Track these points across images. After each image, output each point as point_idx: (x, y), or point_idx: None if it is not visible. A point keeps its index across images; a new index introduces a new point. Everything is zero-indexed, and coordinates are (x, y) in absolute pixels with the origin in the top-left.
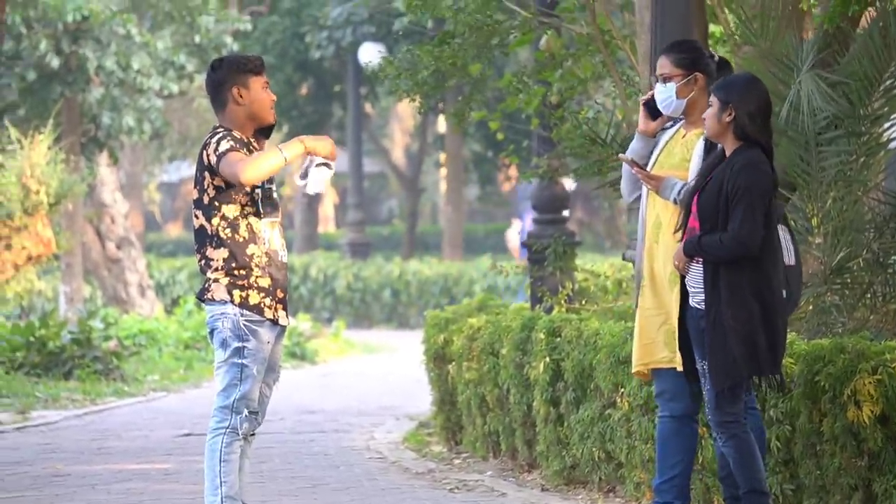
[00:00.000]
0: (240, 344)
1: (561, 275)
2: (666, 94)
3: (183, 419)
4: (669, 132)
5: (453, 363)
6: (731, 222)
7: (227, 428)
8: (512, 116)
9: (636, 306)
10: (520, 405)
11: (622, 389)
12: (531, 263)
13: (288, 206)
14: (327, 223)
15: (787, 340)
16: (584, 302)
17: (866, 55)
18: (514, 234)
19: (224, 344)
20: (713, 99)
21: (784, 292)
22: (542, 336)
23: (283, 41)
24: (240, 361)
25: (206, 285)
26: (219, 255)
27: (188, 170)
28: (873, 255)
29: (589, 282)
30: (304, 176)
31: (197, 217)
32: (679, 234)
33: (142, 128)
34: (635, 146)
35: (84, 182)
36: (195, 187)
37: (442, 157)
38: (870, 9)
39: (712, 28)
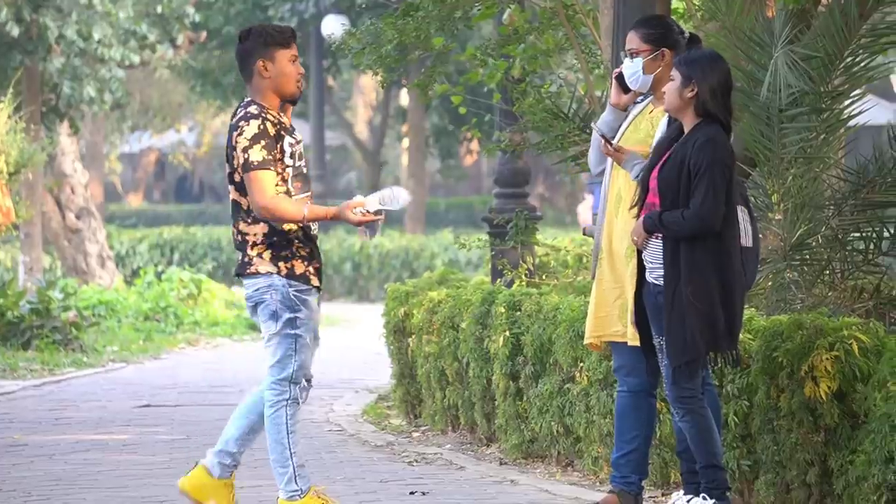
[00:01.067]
0: (292, 315)
1: (522, 249)
2: (633, 69)
3: (141, 390)
4: (639, 107)
5: (413, 336)
6: (693, 198)
7: (289, 399)
8: (474, 90)
9: (594, 278)
10: (479, 379)
11: (581, 364)
12: (492, 237)
13: None
14: None
15: (746, 316)
16: (544, 276)
17: (827, 33)
18: (587, 210)
19: (275, 316)
20: (675, 73)
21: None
22: (502, 310)
23: (246, 12)
24: (293, 332)
25: (247, 259)
26: (257, 229)
27: (149, 140)
28: (832, 231)
29: (549, 256)
30: (371, 233)
31: (230, 190)
32: (636, 210)
33: (103, 98)
34: (607, 118)
35: (44, 152)
36: (227, 161)
37: (404, 130)
38: None
39: (675, 4)
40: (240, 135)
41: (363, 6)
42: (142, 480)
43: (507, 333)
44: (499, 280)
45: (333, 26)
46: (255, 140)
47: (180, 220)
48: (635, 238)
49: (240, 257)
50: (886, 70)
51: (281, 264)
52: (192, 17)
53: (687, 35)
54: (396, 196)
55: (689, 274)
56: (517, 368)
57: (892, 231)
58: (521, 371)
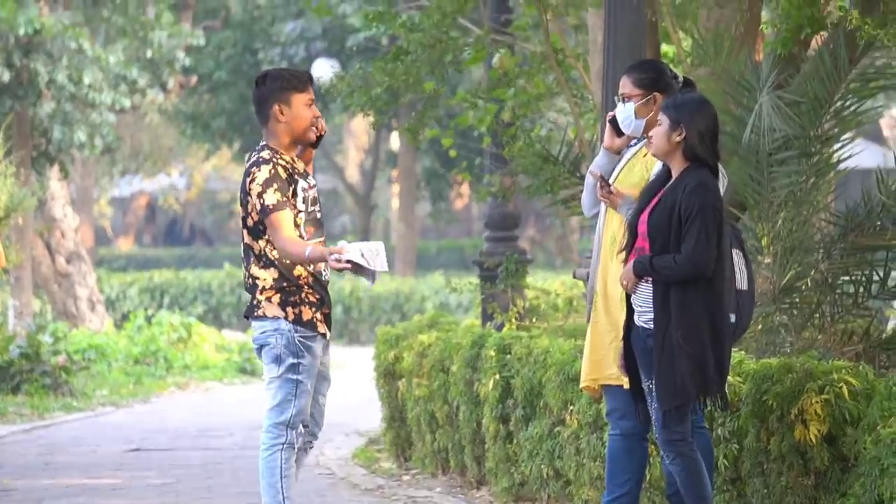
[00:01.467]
0: (295, 360)
1: (512, 292)
2: (626, 114)
3: (131, 434)
4: (633, 150)
5: (403, 379)
6: (685, 243)
7: (285, 444)
8: (464, 134)
9: (588, 322)
10: (469, 422)
11: (571, 407)
12: (483, 281)
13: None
14: None
15: (737, 360)
16: (534, 319)
17: (817, 77)
18: None
19: (278, 360)
20: (663, 117)
21: (733, 317)
22: (492, 353)
23: (236, 56)
24: (295, 377)
25: (256, 303)
26: (268, 274)
27: (139, 184)
28: (821, 275)
29: (540, 299)
30: (371, 279)
31: (244, 235)
32: (623, 255)
33: (93, 142)
34: (601, 161)
35: (34, 196)
36: (241, 205)
37: (394, 173)
38: (820, 32)
39: (665, 48)
40: (252, 181)
41: (353, 50)
42: None
43: (497, 376)
44: (489, 323)
45: (324, 70)
46: (267, 184)
47: (170, 264)
48: (624, 282)
49: (251, 300)
50: (876, 114)
51: (289, 309)
52: (183, 61)
53: (681, 79)
54: (379, 253)
55: (680, 317)
56: (507, 411)
57: (881, 274)
58: (511, 414)
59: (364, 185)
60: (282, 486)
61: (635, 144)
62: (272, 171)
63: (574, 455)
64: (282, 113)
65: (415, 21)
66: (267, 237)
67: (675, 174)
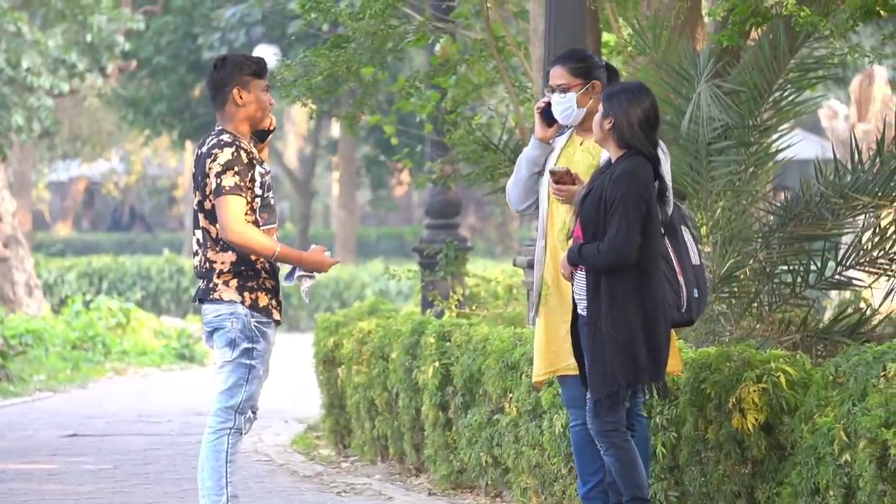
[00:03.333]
0: (249, 345)
1: (452, 280)
2: (566, 104)
3: (69, 420)
4: (562, 139)
5: (343, 366)
6: (608, 232)
7: (232, 428)
8: (406, 121)
9: (536, 313)
10: (408, 409)
11: (510, 395)
12: (423, 268)
13: (180, 208)
14: None
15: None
16: (474, 307)
17: (756, 67)
18: None
19: (232, 344)
20: (599, 105)
21: (696, 291)
22: (431, 340)
23: (176, 41)
24: (248, 362)
25: (212, 286)
26: (225, 258)
27: (78, 169)
28: (760, 265)
29: (480, 287)
30: (289, 278)
31: (202, 219)
32: (570, 242)
33: (31, 126)
34: (532, 153)
35: None
36: (196, 189)
37: (335, 160)
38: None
39: (606, 37)
40: (213, 161)
41: (294, 37)
42: None
43: (437, 364)
44: (429, 310)
45: (266, 57)
46: (227, 166)
47: (109, 249)
48: (563, 271)
49: (203, 283)
50: (814, 104)
51: (246, 294)
52: (122, 46)
53: (606, 66)
54: (304, 287)
55: (609, 306)
56: (446, 399)
57: (818, 264)
58: (451, 402)
59: (304, 171)
60: (226, 471)
61: (562, 134)
62: (234, 154)
63: (513, 443)
64: (240, 97)
65: (354, 8)
66: None
67: (613, 162)
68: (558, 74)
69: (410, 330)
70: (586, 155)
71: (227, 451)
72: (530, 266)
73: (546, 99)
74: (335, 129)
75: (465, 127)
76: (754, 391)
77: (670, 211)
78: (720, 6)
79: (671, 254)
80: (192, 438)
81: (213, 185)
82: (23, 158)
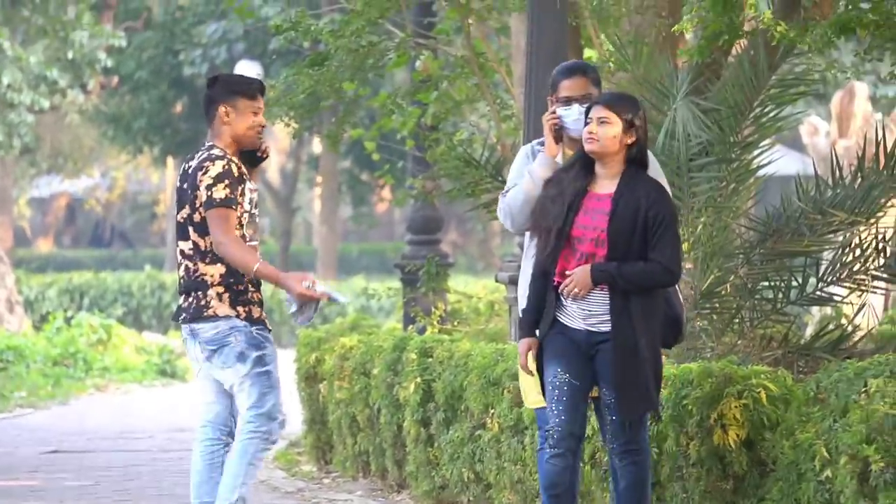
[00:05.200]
0: (259, 352)
1: (434, 296)
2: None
3: (49, 436)
4: (539, 159)
5: (324, 382)
6: (658, 251)
7: (265, 433)
8: (387, 137)
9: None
10: (390, 425)
11: (492, 411)
12: (404, 284)
13: (161, 224)
14: None
15: None
16: (456, 323)
17: (736, 84)
18: None
19: (243, 357)
20: (610, 116)
21: (684, 316)
22: (413, 356)
23: (158, 57)
24: (264, 369)
25: (204, 302)
26: (215, 270)
27: (59, 185)
28: (741, 280)
29: (462, 303)
30: (290, 305)
31: (189, 232)
32: (550, 261)
33: (11, 142)
34: (541, 171)
35: None
36: (184, 203)
37: (317, 177)
38: (740, 40)
39: (587, 53)
40: (205, 174)
41: (275, 54)
42: None
43: (419, 380)
44: (411, 326)
45: (249, 72)
46: (219, 179)
47: (90, 266)
48: (577, 289)
49: (193, 301)
50: (795, 121)
51: (240, 308)
52: (104, 62)
53: None
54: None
55: (645, 325)
56: (428, 415)
57: (799, 280)
58: (433, 417)
59: (285, 187)
60: (245, 473)
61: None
62: (226, 167)
63: (495, 458)
64: (227, 115)
65: (335, 25)
66: None
67: (607, 174)
68: (581, 85)
69: (392, 346)
70: None
71: (252, 454)
72: (512, 282)
73: (557, 113)
74: (317, 145)
75: (446, 143)
76: (736, 407)
77: None
78: (688, 21)
79: None
80: (174, 455)
81: (205, 197)
82: (4, 174)
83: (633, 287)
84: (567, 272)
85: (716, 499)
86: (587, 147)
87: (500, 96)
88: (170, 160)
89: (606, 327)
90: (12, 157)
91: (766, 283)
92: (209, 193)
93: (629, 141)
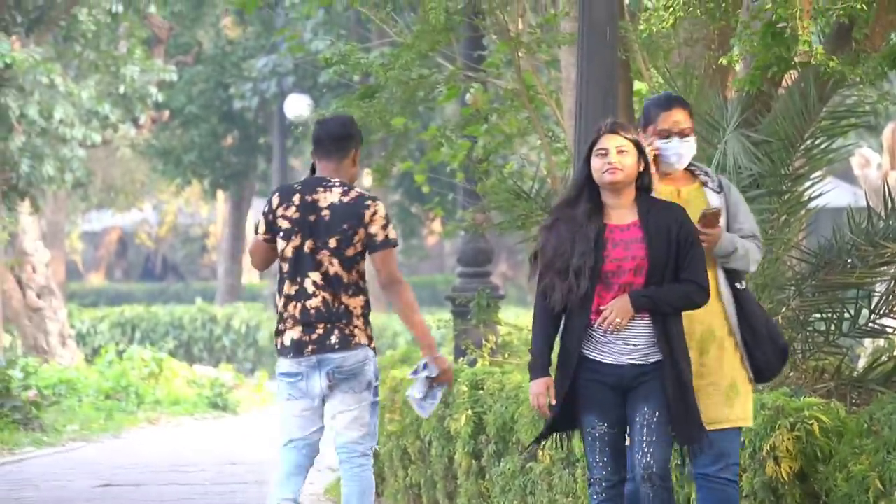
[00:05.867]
0: (377, 384)
1: (484, 328)
2: (690, 149)
3: (102, 469)
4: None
5: None
6: (692, 271)
7: (370, 460)
8: (437, 169)
9: None
10: (441, 457)
11: (544, 443)
12: (455, 316)
13: (212, 257)
14: (251, 274)
15: None
16: (507, 355)
17: (787, 116)
18: None
19: (369, 386)
20: (628, 144)
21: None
22: (464, 389)
23: (208, 91)
24: (377, 399)
25: (348, 332)
26: (357, 302)
27: (111, 219)
28: (793, 312)
29: (512, 335)
30: (423, 396)
31: (332, 264)
32: (588, 294)
33: (63, 177)
34: None
35: (5, 230)
36: (334, 235)
37: None
38: (791, 71)
39: (637, 86)
40: (375, 213)
41: (325, 87)
42: None
43: (470, 412)
44: (462, 359)
45: (299, 106)
46: (388, 220)
47: (142, 299)
48: (619, 319)
49: (334, 331)
50: (846, 152)
51: (372, 338)
52: (155, 96)
53: None
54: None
55: (682, 348)
56: (479, 447)
57: (851, 312)
58: (484, 450)
59: None
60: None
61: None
62: (392, 225)
63: (546, 491)
64: (355, 162)
65: (385, 59)
66: (359, 268)
67: (621, 203)
68: (683, 118)
69: None
70: (701, 201)
71: (373, 487)
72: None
73: (656, 145)
74: (367, 178)
75: (496, 175)
76: (789, 439)
77: None
78: (736, 53)
79: None
80: (226, 488)
81: (382, 237)
82: (56, 209)
83: (672, 309)
84: (601, 307)
85: None
86: (609, 178)
87: (551, 129)
88: (220, 193)
89: (654, 359)
90: (64, 191)
91: (819, 315)
92: (385, 233)
93: (642, 167)
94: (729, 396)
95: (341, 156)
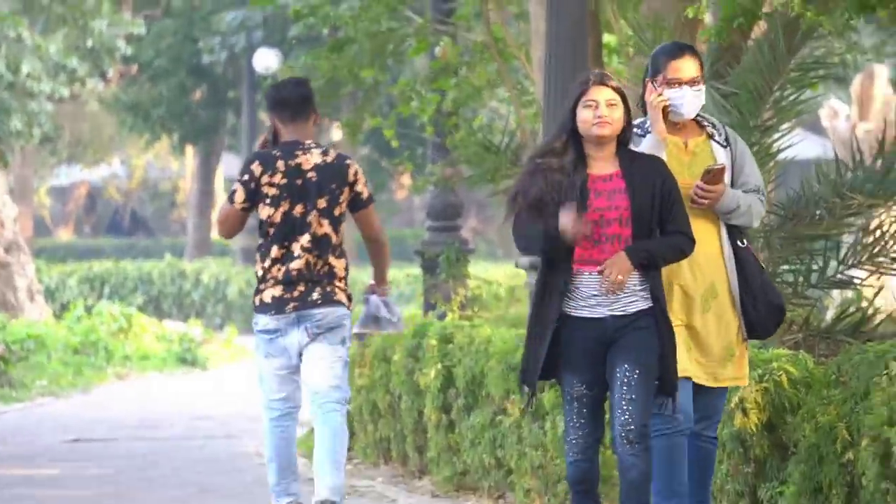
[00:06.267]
0: (350, 344)
1: (454, 282)
2: (701, 97)
3: (71, 424)
4: (648, 142)
5: None
6: (676, 223)
7: (342, 411)
8: (406, 123)
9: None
10: (411, 411)
11: (513, 396)
12: (424, 271)
13: (181, 212)
14: None
15: None
16: (476, 309)
17: (755, 68)
18: None
19: (344, 342)
20: (617, 98)
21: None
22: (433, 342)
23: (176, 45)
24: (348, 359)
25: (330, 290)
26: (341, 264)
27: (79, 174)
28: (762, 264)
29: (482, 289)
30: (375, 310)
31: (321, 224)
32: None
33: (31, 131)
34: (651, 153)
35: None
36: (324, 195)
37: None
38: (760, 22)
39: (606, 38)
40: (357, 172)
41: (294, 41)
42: None
43: (439, 366)
44: (431, 313)
45: (268, 60)
46: (364, 177)
47: (111, 254)
48: (620, 276)
49: (318, 289)
50: (815, 104)
51: (351, 298)
52: (123, 50)
53: None
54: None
55: (665, 299)
56: (449, 401)
57: (820, 264)
58: (453, 404)
59: None
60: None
61: (642, 134)
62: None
63: (516, 444)
64: (315, 122)
65: (355, 11)
66: (342, 228)
67: (603, 156)
68: (693, 66)
69: (412, 332)
70: (708, 156)
71: (341, 424)
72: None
73: (665, 94)
74: (335, 132)
75: (466, 129)
76: (757, 390)
77: None
78: (703, 4)
79: None
80: (195, 442)
81: (367, 194)
82: (24, 164)
83: (665, 262)
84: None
85: (737, 482)
86: (598, 132)
87: (520, 82)
88: (189, 148)
89: (634, 308)
90: (32, 146)
91: (787, 267)
92: (368, 191)
93: (624, 123)
94: (724, 356)
95: (306, 117)
